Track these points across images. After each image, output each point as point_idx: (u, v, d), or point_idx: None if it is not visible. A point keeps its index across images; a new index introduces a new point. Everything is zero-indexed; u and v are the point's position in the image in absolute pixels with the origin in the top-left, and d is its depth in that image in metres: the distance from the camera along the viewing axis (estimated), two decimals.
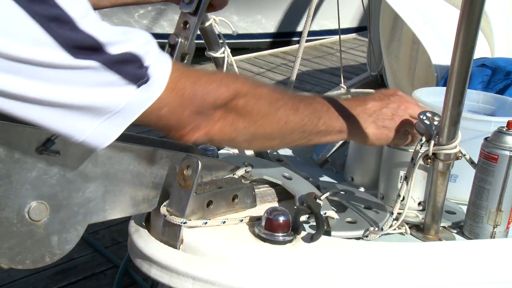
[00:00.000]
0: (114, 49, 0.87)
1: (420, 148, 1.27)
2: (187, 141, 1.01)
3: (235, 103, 1.03)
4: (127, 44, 0.89)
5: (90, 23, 0.85)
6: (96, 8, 1.29)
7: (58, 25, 0.81)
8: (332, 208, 1.32)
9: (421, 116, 1.29)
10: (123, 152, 1.11)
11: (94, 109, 0.88)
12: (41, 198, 1.02)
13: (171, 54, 1.13)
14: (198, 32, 1.25)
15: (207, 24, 1.36)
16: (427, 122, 1.27)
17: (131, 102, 0.90)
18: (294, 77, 2.06)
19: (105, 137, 0.91)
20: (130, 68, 0.89)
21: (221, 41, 1.42)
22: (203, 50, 1.43)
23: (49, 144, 1.00)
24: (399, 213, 1.29)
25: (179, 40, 1.14)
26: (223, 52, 1.43)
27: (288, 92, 1.16)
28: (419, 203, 1.41)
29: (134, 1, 1.35)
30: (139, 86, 0.90)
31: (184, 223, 1.12)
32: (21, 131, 0.97)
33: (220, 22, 1.40)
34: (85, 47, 0.84)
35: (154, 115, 0.94)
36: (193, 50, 1.16)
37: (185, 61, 1.14)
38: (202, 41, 1.40)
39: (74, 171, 1.05)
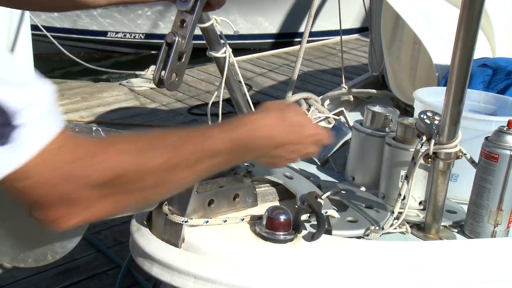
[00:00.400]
0: None
1: (421, 147, 1.27)
2: (57, 227, 0.85)
3: (117, 182, 0.86)
4: (2, 91, 0.75)
5: None
6: (92, 6, 1.27)
7: None
8: (333, 207, 1.33)
9: (422, 115, 1.30)
10: None
11: None
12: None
13: (168, 53, 1.12)
14: (197, 32, 1.24)
15: (208, 24, 1.36)
16: (428, 122, 1.28)
17: None
18: (295, 77, 2.07)
19: None
20: None
21: (222, 41, 1.42)
22: (204, 51, 1.43)
23: None
24: (400, 212, 1.30)
25: (176, 38, 1.12)
26: (225, 52, 1.43)
27: (170, 138, 0.94)
28: (420, 202, 1.42)
29: (130, 0, 1.33)
30: (1, 145, 0.75)
31: (186, 221, 1.13)
32: None
33: (222, 22, 1.40)
34: None
35: (18, 185, 0.79)
36: (191, 49, 1.15)
37: (183, 60, 1.13)
38: (204, 41, 1.41)
39: None
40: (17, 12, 4.96)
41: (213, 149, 0.95)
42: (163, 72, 1.14)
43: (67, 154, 0.81)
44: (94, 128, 1.18)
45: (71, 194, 0.82)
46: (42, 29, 5.54)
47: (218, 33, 1.40)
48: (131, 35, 7.44)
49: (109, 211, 0.88)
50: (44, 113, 0.79)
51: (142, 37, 7.46)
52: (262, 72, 6.20)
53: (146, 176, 0.88)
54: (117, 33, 7.39)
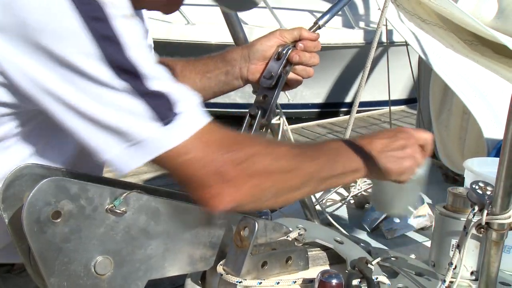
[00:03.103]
0: (151, 83, 0.93)
1: (473, 217, 1.28)
2: (213, 206, 0.99)
3: (259, 164, 1.03)
4: (166, 84, 0.95)
5: (139, 53, 0.93)
6: None
7: (110, 45, 0.91)
8: (384, 273, 1.33)
9: (473, 186, 1.31)
10: (184, 212, 1.16)
11: (120, 133, 0.93)
12: (107, 253, 1.07)
13: (251, 124, 1.21)
14: (246, 101, 1.36)
15: None
16: (480, 192, 1.29)
17: (153, 138, 0.93)
18: None
19: (125, 165, 0.96)
20: (161, 105, 0.93)
21: (277, 110, 1.49)
22: None
23: (117, 202, 1.06)
24: (451, 282, 1.29)
25: (259, 111, 1.22)
26: (279, 119, 1.50)
27: (305, 144, 1.22)
28: (472, 273, 1.41)
29: (220, 90, 1.41)
30: (165, 124, 0.93)
31: (240, 282, 1.16)
32: (94, 189, 1.04)
33: None
34: (126, 71, 0.92)
35: (178, 160, 0.96)
36: (271, 121, 1.26)
37: (263, 130, 1.23)
38: None
39: (138, 229, 1.11)
40: None
41: (337, 159, 1.14)
42: None
43: (217, 135, 0.99)
44: (155, 189, 1.23)
45: (222, 167, 0.97)
46: None
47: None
48: None
49: (254, 194, 1.02)
50: (195, 104, 0.97)
51: None
52: (306, 141, 6.27)
53: (279, 160, 1.05)
54: None
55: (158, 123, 0.93)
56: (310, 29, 1.39)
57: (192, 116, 0.97)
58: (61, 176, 1.05)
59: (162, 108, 0.93)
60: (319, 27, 1.35)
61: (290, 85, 1.37)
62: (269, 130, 1.52)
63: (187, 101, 0.97)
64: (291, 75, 1.35)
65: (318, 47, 1.36)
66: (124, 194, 1.07)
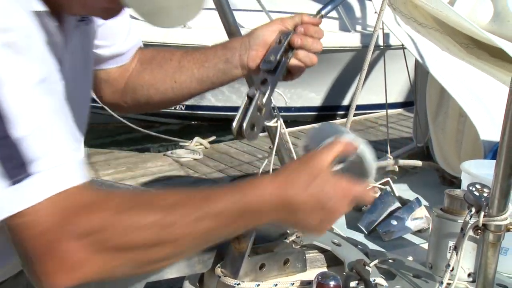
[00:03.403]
0: (11, 129, 0.80)
1: (470, 219, 1.28)
2: (51, 283, 0.82)
3: (114, 240, 0.85)
4: (31, 134, 0.81)
5: (20, 93, 0.81)
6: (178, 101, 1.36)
7: None
8: (381, 275, 1.33)
9: (470, 188, 1.31)
10: None
11: None
12: None
13: (249, 106, 1.14)
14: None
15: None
16: (477, 194, 1.29)
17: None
18: None
19: None
20: (11, 159, 0.80)
21: (275, 112, 1.50)
22: None
23: None
24: (449, 284, 1.29)
25: (257, 93, 1.16)
26: (276, 122, 1.50)
27: (188, 199, 0.93)
28: (469, 274, 1.41)
29: (218, 80, 1.33)
30: (12, 184, 0.80)
31: (238, 284, 1.16)
32: None
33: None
34: None
35: (21, 227, 0.81)
36: (270, 105, 1.20)
37: (262, 113, 1.16)
38: None
39: None
40: None
41: (214, 210, 0.91)
42: (244, 125, 1.12)
43: (76, 201, 0.83)
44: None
45: (58, 243, 0.81)
46: (98, 100, 5.75)
47: (272, 105, 1.47)
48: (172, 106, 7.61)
49: (101, 270, 0.84)
50: (61, 163, 0.83)
51: (183, 108, 7.65)
52: (303, 145, 6.26)
53: (137, 233, 0.85)
54: None
55: (4, 181, 0.80)
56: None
57: (49, 177, 0.82)
58: None
59: (11, 164, 0.80)
60: (322, 17, 1.30)
61: (293, 72, 1.29)
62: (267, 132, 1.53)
63: (52, 158, 0.82)
64: (294, 62, 1.27)
65: (321, 33, 1.28)
66: None
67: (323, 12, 1.31)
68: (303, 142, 1.20)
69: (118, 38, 1.29)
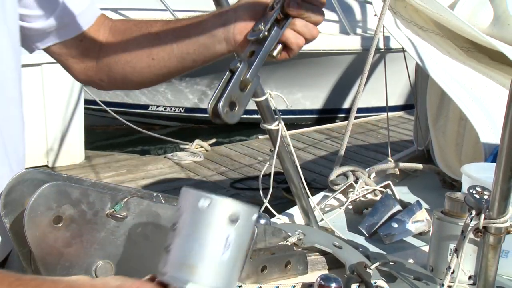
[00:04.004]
0: None
1: (470, 221, 1.29)
2: None
3: None
4: None
5: None
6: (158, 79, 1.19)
7: None
8: (382, 278, 1.34)
9: (471, 190, 1.32)
10: None
11: None
12: (108, 257, 1.08)
13: (229, 80, 0.95)
14: (248, 107, 1.03)
15: (263, 98, 1.45)
16: (477, 196, 1.30)
17: None
18: (343, 150, 2.13)
19: None
20: None
21: (276, 116, 1.50)
22: (252, 124, 1.51)
23: (118, 207, 1.07)
24: (450, 286, 1.30)
25: (240, 66, 0.95)
26: (277, 125, 1.51)
27: None
28: (470, 277, 1.41)
29: (201, 57, 1.14)
30: None
31: (240, 286, 1.16)
32: (95, 194, 1.05)
33: (275, 96, 1.49)
34: None
35: None
36: (257, 81, 0.99)
37: (247, 90, 0.97)
38: (258, 116, 1.49)
39: (138, 233, 1.11)
40: (78, 86, 5.23)
41: None
42: (221, 102, 0.92)
43: None
44: (154, 195, 1.24)
45: None
46: (99, 102, 5.78)
47: (273, 108, 1.48)
48: (171, 109, 7.63)
49: None
50: None
51: (182, 110, 7.65)
52: (303, 147, 6.28)
53: None
54: (158, 106, 7.59)
55: None
56: None
57: None
58: (63, 181, 1.05)
59: None
60: None
61: (289, 45, 1.06)
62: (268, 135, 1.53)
63: None
64: (290, 34, 1.05)
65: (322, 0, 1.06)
66: (125, 199, 1.07)
67: None
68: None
69: (56, 7, 1.14)
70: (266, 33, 1.01)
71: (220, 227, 0.81)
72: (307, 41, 1.06)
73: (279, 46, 1.05)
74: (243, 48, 1.05)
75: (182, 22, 1.15)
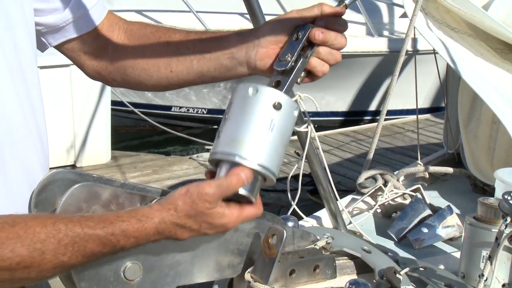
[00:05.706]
0: None
1: (505, 228, 1.26)
2: None
3: None
4: None
5: None
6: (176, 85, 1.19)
7: None
8: (412, 284, 1.31)
9: (506, 196, 1.29)
10: None
11: None
12: (136, 259, 1.07)
13: None
14: None
15: (293, 100, 1.43)
16: None
17: None
18: (372, 153, 2.10)
19: None
20: None
21: (305, 118, 1.49)
22: None
23: None
24: None
25: None
26: (307, 127, 1.49)
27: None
28: (503, 285, 1.38)
29: (221, 75, 1.16)
30: None
31: None
32: (125, 195, 1.04)
33: (305, 98, 1.47)
34: None
35: None
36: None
37: None
38: None
39: None
40: (97, 85, 5.28)
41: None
42: None
43: None
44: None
45: None
46: (127, 103, 5.81)
47: (302, 110, 1.46)
48: (194, 110, 7.64)
49: None
50: None
51: (205, 112, 7.66)
52: (329, 149, 6.25)
53: None
54: (181, 107, 7.61)
55: None
56: None
57: None
58: (93, 182, 1.05)
59: None
60: (346, 6, 1.09)
61: (315, 73, 1.09)
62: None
63: None
64: (314, 61, 1.07)
65: (345, 25, 1.08)
66: (154, 200, 1.07)
67: (347, 1, 1.10)
68: None
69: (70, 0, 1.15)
70: (293, 63, 1.04)
71: (266, 110, 0.93)
72: (331, 66, 1.09)
73: (303, 73, 1.08)
74: (263, 72, 1.10)
75: (203, 36, 1.16)
